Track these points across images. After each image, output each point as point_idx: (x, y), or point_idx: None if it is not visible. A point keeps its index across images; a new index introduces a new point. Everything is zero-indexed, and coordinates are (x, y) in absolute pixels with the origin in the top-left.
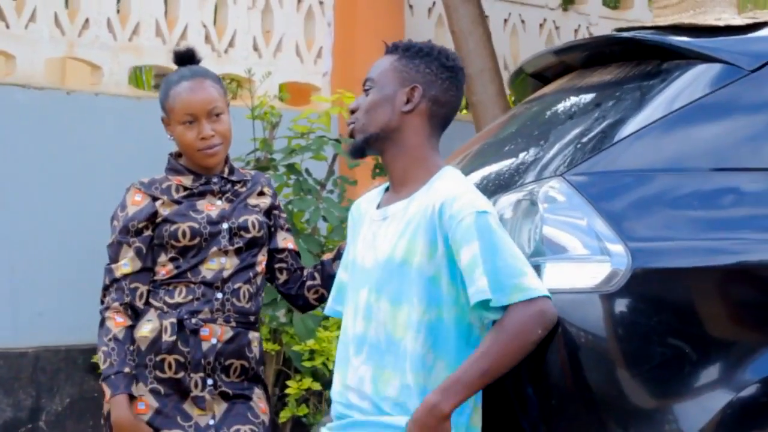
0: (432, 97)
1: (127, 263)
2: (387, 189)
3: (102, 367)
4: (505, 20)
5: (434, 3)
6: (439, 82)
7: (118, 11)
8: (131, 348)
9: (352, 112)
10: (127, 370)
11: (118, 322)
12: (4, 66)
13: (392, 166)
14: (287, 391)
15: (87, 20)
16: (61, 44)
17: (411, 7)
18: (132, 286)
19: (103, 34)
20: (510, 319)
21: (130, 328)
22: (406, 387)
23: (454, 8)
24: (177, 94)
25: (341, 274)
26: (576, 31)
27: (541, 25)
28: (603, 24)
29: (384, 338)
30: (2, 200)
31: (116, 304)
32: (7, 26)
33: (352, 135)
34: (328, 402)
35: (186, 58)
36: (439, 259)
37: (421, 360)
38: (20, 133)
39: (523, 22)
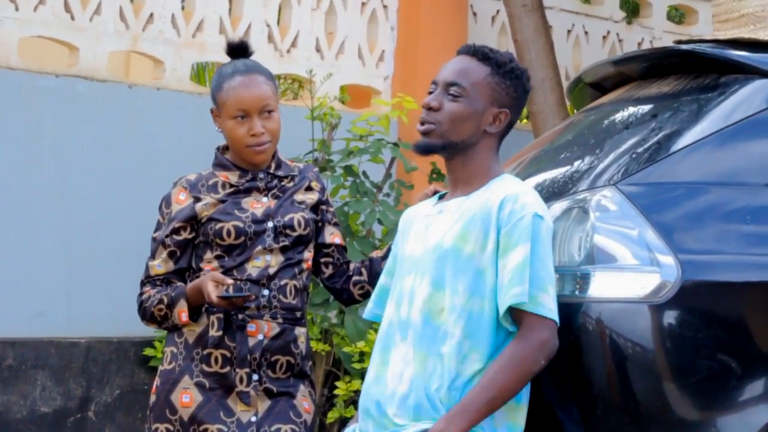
0: (512, 120)
1: (160, 264)
2: (440, 198)
3: (163, 307)
4: (569, 31)
5: (498, 11)
6: (519, 107)
7: (182, 7)
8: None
9: (429, 108)
10: (178, 288)
11: (152, 291)
12: (68, 57)
13: (457, 172)
14: (336, 392)
15: (151, 15)
16: (125, 38)
17: (475, 14)
18: (165, 280)
19: (167, 29)
20: (516, 347)
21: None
22: (441, 371)
23: (517, 17)
24: (230, 88)
25: (384, 279)
26: (639, 44)
27: (604, 38)
28: (667, 38)
29: (421, 320)
30: (61, 190)
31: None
32: (72, 18)
33: (425, 133)
34: None
35: (239, 50)
36: (489, 252)
37: (458, 345)
38: (81, 124)
39: (586, 33)
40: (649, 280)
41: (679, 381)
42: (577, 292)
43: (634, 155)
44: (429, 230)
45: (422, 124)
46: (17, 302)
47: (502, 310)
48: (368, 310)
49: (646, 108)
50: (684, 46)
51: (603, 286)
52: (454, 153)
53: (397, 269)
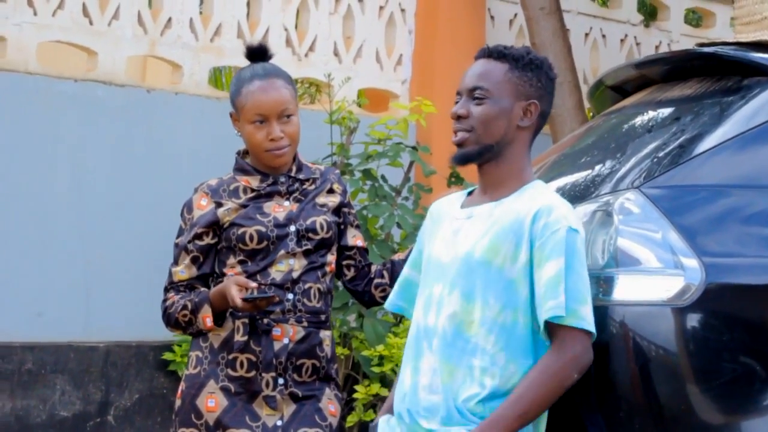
0: (542, 111)
1: (183, 270)
2: (469, 193)
3: (187, 312)
4: (586, 34)
5: (516, 15)
6: (548, 96)
7: (200, 12)
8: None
9: (458, 117)
10: (201, 293)
11: (176, 297)
12: (87, 62)
13: (489, 174)
14: (355, 395)
15: (170, 20)
16: (143, 42)
17: (492, 18)
18: (188, 286)
19: (185, 34)
20: (549, 361)
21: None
22: (471, 384)
23: (535, 20)
24: (249, 93)
25: (407, 271)
26: (657, 47)
27: (622, 41)
28: (684, 41)
29: (451, 331)
30: (79, 195)
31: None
32: (91, 23)
33: (460, 143)
34: None
35: (259, 54)
36: (521, 264)
37: (492, 359)
38: (100, 128)
39: (604, 36)
40: (673, 283)
41: (703, 384)
42: (601, 295)
43: (656, 158)
44: (458, 236)
45: (456, 134)
46: (36, 306)
47: (541, 324)
48: (390, 302)
49: (668, 111)
50: (706, 49)
51: (627, 289)
52: (489, 157)
53: (424, 271)
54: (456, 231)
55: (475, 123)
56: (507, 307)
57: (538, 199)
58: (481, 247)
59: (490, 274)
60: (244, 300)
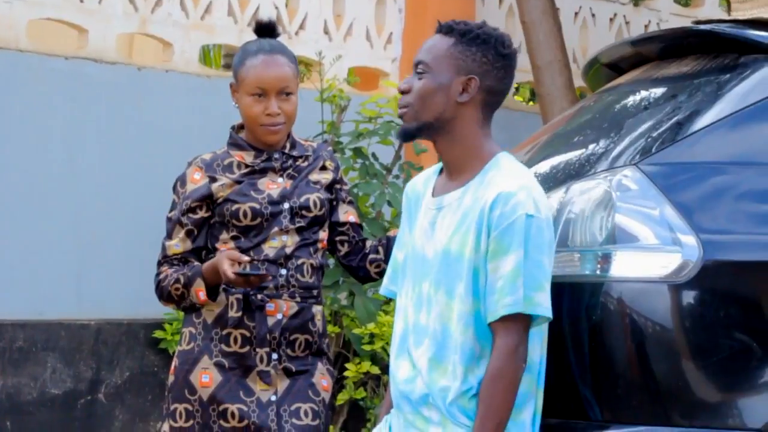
0: (487, 87)
1: (178, 244)
2: (441, 170)
3: (180, 286)
4: (576, 13)
5: None
6: (495, 72)
7: None
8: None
9: (403, 92)
10: (194, 267)
11: (169, 270)
12: (77, 40)
13: (446, 154)
14: (346, 374)
15: None
16: (133, 20)
17: None
18: (182, 259)
19: (175, 11)
20: (496, 364)
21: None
22: (455, 378)
23: None
24: (252, 66)
25: (397, 254)
26: (646, 26)
27: (611, 20)
28: (674, 20)
29: (440, 329)
30: (70, 172)
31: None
32: (81, 0)
33: (402, 118)
34: (386, 386)
35: (267, 30)
36: (482, 252)
37: (471, 351)
38: (91, 106)
39: (593, 15)
40: (670, 259)
41: (700, 361)
42: (598, 272)
43: (653, 136)
44: (435, 230)
45: (400, 110)
46: (27, 284)
47: (493, 317)
48: (384, 286)
49: (665, 88)
50: (703, 26)
51: (624, 266)
52: (434, 133)
53: (410, 263)
54: (432, 223)
55: (413, 98)
56: (476, 298)
57: (498, 184)
58: (456, 242)
59: (462, 268)
60: (237, 274)
